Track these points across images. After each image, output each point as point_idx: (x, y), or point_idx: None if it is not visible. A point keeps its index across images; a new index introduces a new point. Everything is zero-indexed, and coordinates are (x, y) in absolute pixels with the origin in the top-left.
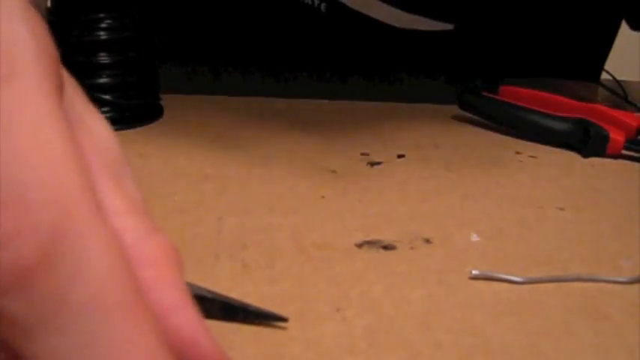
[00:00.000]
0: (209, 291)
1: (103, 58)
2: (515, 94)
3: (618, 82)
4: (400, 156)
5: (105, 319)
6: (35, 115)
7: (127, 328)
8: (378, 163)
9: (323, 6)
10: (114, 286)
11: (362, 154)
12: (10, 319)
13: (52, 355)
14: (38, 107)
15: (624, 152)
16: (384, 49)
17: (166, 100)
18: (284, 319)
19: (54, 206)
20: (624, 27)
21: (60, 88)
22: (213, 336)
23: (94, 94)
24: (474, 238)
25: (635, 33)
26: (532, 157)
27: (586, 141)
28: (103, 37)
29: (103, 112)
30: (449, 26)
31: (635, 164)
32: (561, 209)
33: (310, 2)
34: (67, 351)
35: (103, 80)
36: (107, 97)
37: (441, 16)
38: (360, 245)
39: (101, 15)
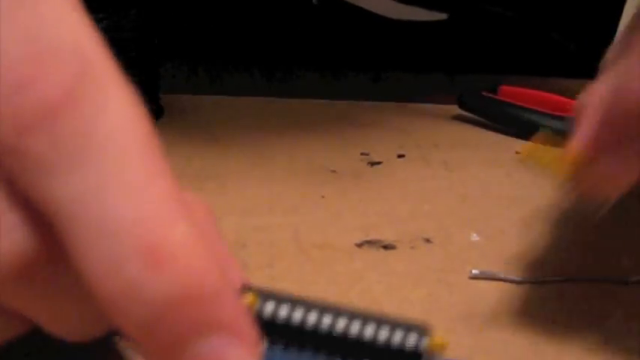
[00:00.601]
0: None
1: None
2: (515, 94)
3: None
4: (400, 156)
5: (123, 158)
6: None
7: (144, 167)
8: (378, 163)
9: None
10: (131, 128)
11: (362, 154)
12: (32, 157)
13: (71, 192)
14: None
15: None
16: (380, 42)
17: (166, 100)
18: None
19: (78, 54)
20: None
21: None
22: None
23: None
24: (474, 238)
25: None
26: None
27: None
28: (103, 37)
29: None
30: (442, 16)
31: None
32: (561, 209)
33: None
34: (86, 189)
35: None
36: None
37: (433, 5)
38: (360, 245)
39: (100, 15)
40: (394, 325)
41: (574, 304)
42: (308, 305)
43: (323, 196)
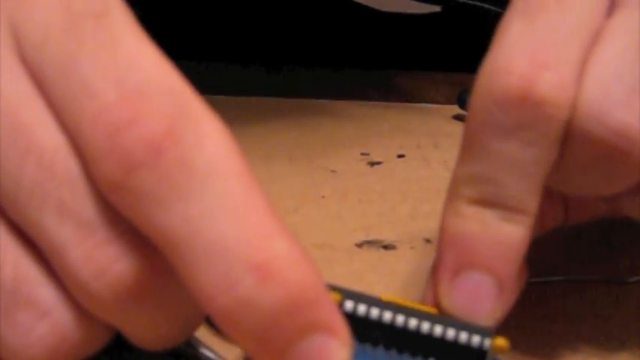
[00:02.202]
0: None
1: None
2: None
3: None
4: (400, 156)
5: (225, 185)
6: (135, 37)
7: (244, 192)
8: (378, 163)
9: None
10: (228, 157)
11: (362, 154)
12: (140, 192)
13: (180, 221)
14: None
15: None
16: (374, 37)
17: None
18: None
19: (173, 93)
20: None
21: None
22: None
23: None
24: None
25: None
26: None
27: None
28: None
29: None
30: (436, 8)
31: None
32: None
33: None
34: (195, 216)
35: None
36: None
37: None
38: (360, 245)
39: None
40: (461, 326)
41: (574, 304)
42: (383, 305)
43: (323, 196)
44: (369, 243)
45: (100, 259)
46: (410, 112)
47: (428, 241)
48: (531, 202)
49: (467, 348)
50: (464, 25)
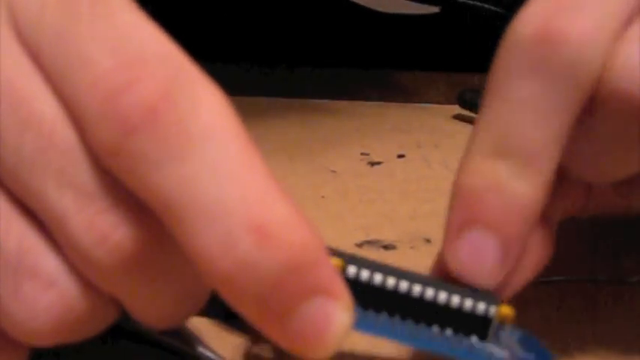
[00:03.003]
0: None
1: None
2: None
3: None
4: (400, 156)
5: (223, 147)
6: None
7: (241, 154)
8: (378, 163)
9: None
10: (225, 119)
11: (362, 154)
12: (139, 155)
13: (179, 183)
14: None
15: None
16: (374, 37)
17: None
18: None
19: (169, 59)
20: None
21: None
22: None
23: None
24: None
25: None
26: None
27: None
28: None
29: None
30: (434, 9)
31: None
32: None
33: None
34: (194, 178)
35: None
36: None
37: None
38: (360, 245)
39: None
40: (466, 293)
41: (574, 304)
42: (386, 270)
43: (323, 196)
44: (369, 243)
45: (101, 227)
46: (410, 112)
47: (428, 241)
48: (546, 157)
49: (471, 315)
50: (464, 25)
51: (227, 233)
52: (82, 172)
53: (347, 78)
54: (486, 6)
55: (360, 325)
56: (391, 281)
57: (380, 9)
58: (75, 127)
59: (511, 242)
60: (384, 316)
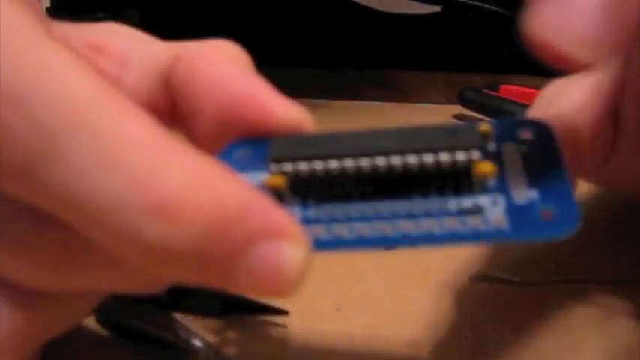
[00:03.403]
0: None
1: None
2: (516, 93)
3: None
4: None
5: (92, 128)
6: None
7: (114, 127)
8: None
9: None
10: (87, 93)
11: None
12: (7, 168)
13: (55, 184)
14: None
15: None
16: (374, 37)
17: None
18: (285, 312)
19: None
20: None
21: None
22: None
23: None
24: None
25: None
26: None
27: None
28: None
29: None
30: (436, 8)
31: None
32: None
33: None
34: (69, 176)
35: None
36: None
37: None
38: None
39: (100, 14)
40: (437, 144)
41: (574, 304)
42: (329, 153)
43: None
44: None
45: None
46: (410, 112)
47: None
48: None
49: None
50: (464, 25)
51: (127, 225)
52: None
53: (347, 78)
54: (486, 6)
55: (326, 243)
56: (349, 163)
57: (381, 9)
58: None
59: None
60: (358, 204)
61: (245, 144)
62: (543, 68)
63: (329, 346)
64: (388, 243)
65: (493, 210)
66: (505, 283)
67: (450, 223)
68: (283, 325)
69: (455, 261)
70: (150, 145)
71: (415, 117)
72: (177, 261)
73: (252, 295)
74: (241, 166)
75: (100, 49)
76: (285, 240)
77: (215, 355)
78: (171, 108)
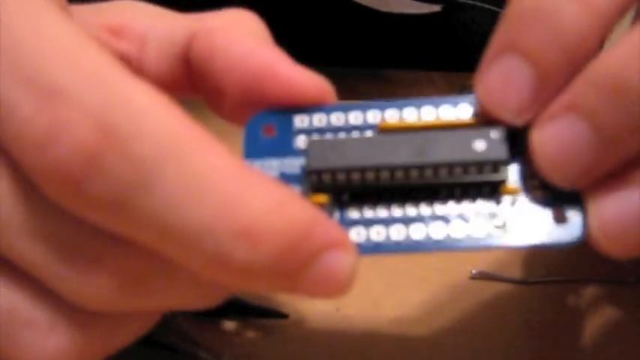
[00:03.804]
0: None
1: None
2: None
3: None
4: None
5: (182, 162)
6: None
7: (202, 162)
8: None
9: None
10: (173, 131)
11: None
12: (98, 203)
13: (149, 215)
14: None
15: None
16: (374, 37)
17: None
18: (284, 316)
19: (94, 79)
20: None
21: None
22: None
23: None
24: None
25: None
26: None
27: None
28: None
29: None
30: (436, 8)
31: None
32: None
33: None
34: (161, 206)
35: None
36: None
37: None
38: None
39: None
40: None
41: (574, 304)
42: (364, 164)
43: None
44: None
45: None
46: None
47: None
48: None
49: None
50: (464, 25)
51: (217, 249)
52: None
53: (347, 77)
54: (486, 6)
55: (369, 248)
56: (385, 175)
57: (381, 8)
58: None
59: (548, 75)
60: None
61: (269, 116)
62: None
63: (329, 346)
64: (420, 249)
65: (514, 215)
66: (505, 283)
67: (474, 228)
68: (284, 326)
69: (455, 261)
70: (233, 175)
71: None
72: (257, 276)
73: (310, 297)
74: (271, 150)
75: (119, 31)
76: (341, 250)
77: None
78: (192, 83)
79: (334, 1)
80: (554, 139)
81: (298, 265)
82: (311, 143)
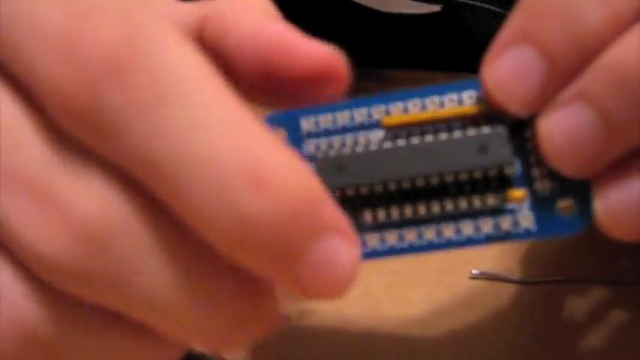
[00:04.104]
0: None
1: None
2: None
3: None
4: None
5: (203, 96)
6: None
7: (223, 100)
8: None
9: None
10: (199, 65)
11: None
12: (110, 110)
13: (159, 135)
14: None
15: None
16: (374, 37)
17: None
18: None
19: (125, 11)
20: None
21: None
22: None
23: None
24: None
25: None
26: None
27: None
28: None
29: None
30: (436, 7)
31: None
32: None
33: None
34: (173, 128)
35: None
36: None
37: None
38: None
39: None
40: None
41: (575, 303)
42: (371, 179)
43: None
44: None
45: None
46: None
47: None
48: None
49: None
50: (464, 25)
51: (224, 188)
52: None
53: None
54: (486, 6)
55: (373, 252)
56: (394, 186)
57: (381, 8)
58: (25, 106)
59: (561, 70)
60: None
61: (276, 120)
62: None
63: (329, 346)
64: (427, 249)
65: (522, 211)
66: (505, 283)
67: (482, 225)
68: (284, 326)
69: (455, 261)
70: (252, 119)
71: None
72: (260, 240)
73: (302, 295)
74: None
75: None
76: (345, 239)
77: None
78: None
79: (334, 1)
80: (561, 126)
81: (303, 235)
82: (318, 165)
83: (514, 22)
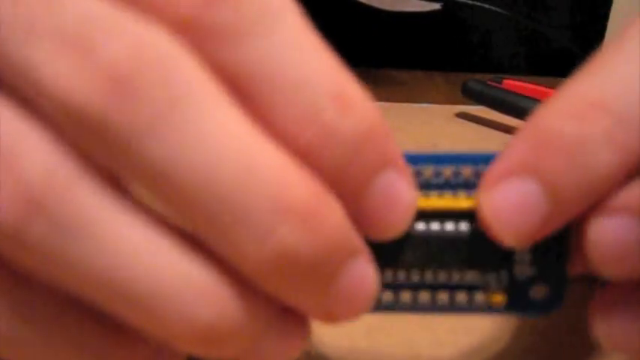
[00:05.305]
0: None
1: None
2: (519, 87)
3: None
4: None
5: (295, 20)
6: None
7: (312, 33)
8: None
9: None
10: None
11: None
12: (221, 27)
13: (264, 54)
14: None
15: None
16: (374, 37)
17: None
18: None
19: None
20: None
21: None
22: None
23: None
24: None
25: None
26: None
27: None
28: None
29: None
30: (436, 6)
31: None
32: None
33: None
34: (277, 49)
35: None
36: None
37: None
38: None
39: None
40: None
41: (574, 304)
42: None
43: None
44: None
45: None
46: (410, 112)
47: None
48: None
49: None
50: (464, 25)
51: (312, 102)
52: None
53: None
54: (486, 6)
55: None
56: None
57: (382, 7)
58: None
59: (564, 209)
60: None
61: None
62: (543, 69)
63: (329, 346)
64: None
65: (497, 287)
66: None
67: (460, 298)
68: None
69: None
70: (327, 49)
71: (415, 117)
72: (332, 154)
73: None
74: None
75: None
76: (405, 176)
77: None
78: None
79: (334, 1)
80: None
81: (368, 163)
82: None
83: (517, 151)
